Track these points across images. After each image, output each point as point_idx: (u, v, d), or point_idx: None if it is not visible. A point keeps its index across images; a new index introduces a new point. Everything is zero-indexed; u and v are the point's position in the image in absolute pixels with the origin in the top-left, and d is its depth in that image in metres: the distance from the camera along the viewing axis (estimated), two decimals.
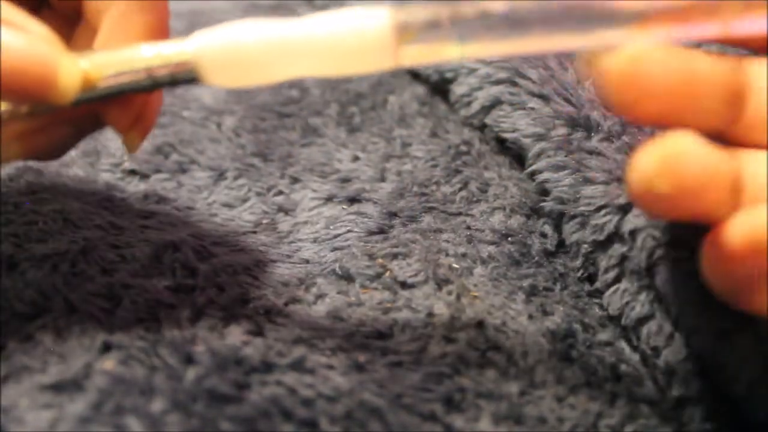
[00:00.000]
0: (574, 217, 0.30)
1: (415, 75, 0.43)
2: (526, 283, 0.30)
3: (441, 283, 0.29)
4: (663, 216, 0.23)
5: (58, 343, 0.24)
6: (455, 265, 0.30)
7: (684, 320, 0.25)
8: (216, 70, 0.23)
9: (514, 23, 0.20)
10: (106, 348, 0.24)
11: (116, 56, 0.24)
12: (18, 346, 0.24)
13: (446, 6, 0.21)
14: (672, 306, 0.26)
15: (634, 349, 0.28)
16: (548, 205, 0.32)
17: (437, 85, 0.41)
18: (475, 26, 0.20)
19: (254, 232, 0.31)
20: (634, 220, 0.28)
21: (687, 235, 0.26)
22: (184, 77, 0.24)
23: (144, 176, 0.35)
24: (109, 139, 0.38)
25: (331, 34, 0.21)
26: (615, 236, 0.28)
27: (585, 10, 0.20)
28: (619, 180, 0.29)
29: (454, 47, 0.21)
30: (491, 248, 0.31)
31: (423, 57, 0.21)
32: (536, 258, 0.31)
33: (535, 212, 0.33)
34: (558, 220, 0.32)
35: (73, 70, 0.23)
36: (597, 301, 0.30)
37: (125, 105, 0.26)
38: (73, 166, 0.36)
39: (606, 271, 0.29)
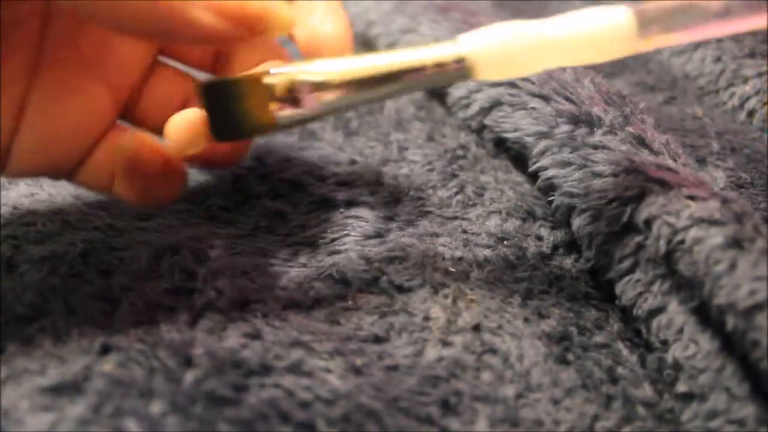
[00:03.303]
0: (585, 210, 0.30)
1: None
2: (521, 286, 0.30)
3: (437, 286, 0.29)
4: None
5: (57, 346, 0.24)
6: (451, 269, 0.30)
7: (716, 299, 0.25)
8: (488, 68, 0.26)
9: (722, 15, 0.26)
10: (105, 350, 0.24)
11: (401, 58, 0.26)
12: (17, 349, 0.24)
13: (676, 3, 0.26)
14: (698, 288, 0.26)
15: (633, 349, 0.29)
16: (557, 200, 0.32)
17: (435, 88, 0.41)
18: (691, 15, 0.26)
19: (252, 235, 0.31)
20: (647, 209, 0.28)
21: (708, 213, 0.26)
22: (459, 76, 0.26)
23: None
24: None
25: (586, 29, 0.25)
26: (629, 226, 0.29)
27: None
28: (627, 171, 0.29)
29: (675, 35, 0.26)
30: (487, 252, 0.31)
31: (654, 44, 0.26)
32: (532, 261, 0.31)
33: (530, 215, 0.33)
34: (567, 214, 0.32)
35: (287, 12, 0.26)
36: (593, 302, 0.30)
37: None
38: None
39: (620, 261, 0.29)
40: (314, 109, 0.26)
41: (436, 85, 0.26)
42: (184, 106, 0.30)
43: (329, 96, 0.26)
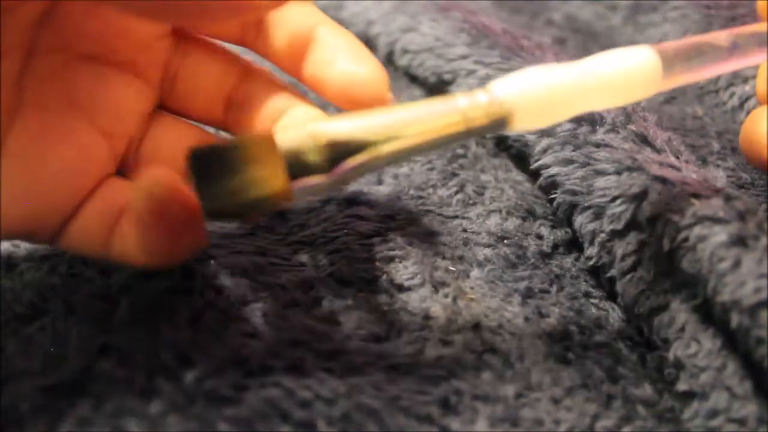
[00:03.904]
0: (587, 208, 0.31)
1: (412, 78, 0.43)
2: (522, 285, 0.30)
3: (437, 285, 0.29)
4: None
5: (57, 345, 0.24)
6: (452, 268, 0.30)
7: (720, 297, 0.25)
8: (525, 118, 0.24)
9: (731, 51, 0.27)
10: (105, 349, 0.24)
11: (433, 111, 0.23)
12: (17, 348, 0.24)
13: (691, 42, 0.27)
14: (702, 286, 0.26)
15: (633, 348, 0.29)
16: (559, 198, 0.32)
17: (435, 87, 0.41)
18: (706, 53, 0.27)
19: (252, 235, 0.31)
20: (650, 207, 0.28)
21: (712, 211, 0.26)
22: (494, 127, 0.23)
23: None
24: None
25: (615, 74, 0.25)
26: (632, 224, 0.29)
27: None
28: (630, 169, 0.29)
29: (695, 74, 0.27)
30: (487, 251, 0.31)
31: (674, 83, 0.26)
32: (532, 260, 0.31)
33: (531, 214, 0.33)
34: (568, 212, 0.32)
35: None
36: (594, 302, 0.30)
37: None
38: None
39: (623, 258, 0.29)
40: (340, 176, 0.22)
41: (469, 138, 0.24)
42: None
43: (360, 158, 0.22)
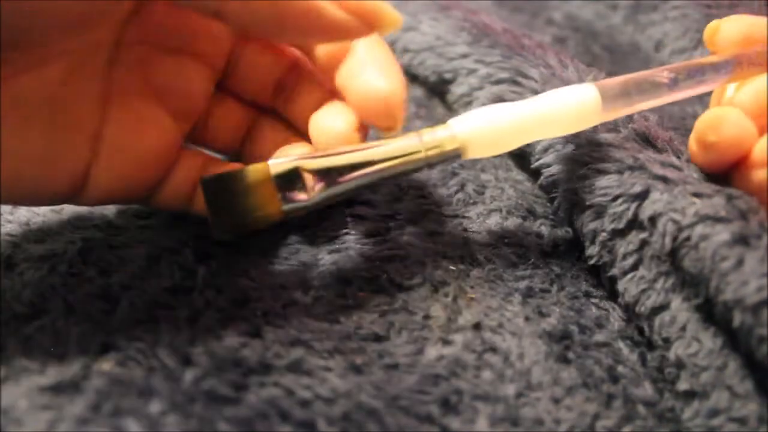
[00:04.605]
0: (588, 207, 0.30)
1: (413, 77, 0.43)
2: (522, 284, 0.30)
3: (438, 285, 0.29)
4: (714, 163, 0.30)
5: (57, 345, 0.24)
6: (452, 267, 0.30)
7: (723, 296, 0.25)
8: (477, 149, 0.29)
9: (671, 87, 0.30)
10: (105, 349, 0.24)
11: (399, 144, 0.28)
12: (16, 348, 0.24)
13: (631, 78, 0.30)
14: (704, 285, 0.26)
15: (633, 348, 0.28)
16: (560, 197, 0.32)
17: (435, 86, 0.41)
18: (646, 90, 0.30)
19: (252, 235, 0.31)
20: (652, 206, 0.28)
21: (714, 210, 0.26)
22: (450, 156, 0.28)
23: None
24: None
25: (560, 109, 0.29)
26: (634, 223, 0.29)
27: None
28: (631, 168, 0.29)
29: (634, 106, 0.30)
30: (488, 250, 0.31)
31: (615, 115, 0.30)
32: (532, 259, 0.31)
33: (531, 214, 0.33)
34: (569, 212, 0.32)
35: (395, 11, 0.28)
36: (594, 301, 0.30)
37: None
38: None
39: (624, 257, 0.29)
40: (321, 196, 0.28)
41: (430, 165, 0.28)
42: (247, 131, 0.32)
43: (335, 183, 0.27)
